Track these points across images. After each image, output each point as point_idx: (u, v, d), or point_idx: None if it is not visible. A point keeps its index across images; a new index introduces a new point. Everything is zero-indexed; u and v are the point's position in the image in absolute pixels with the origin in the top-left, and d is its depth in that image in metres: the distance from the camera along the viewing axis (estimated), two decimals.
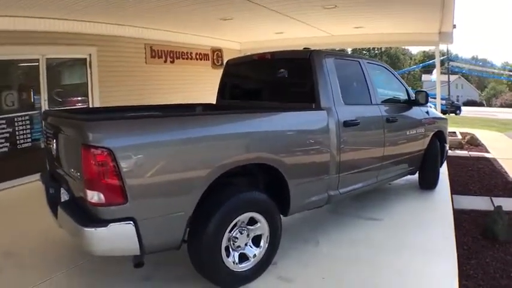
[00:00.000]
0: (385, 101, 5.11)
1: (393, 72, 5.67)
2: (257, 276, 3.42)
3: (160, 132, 2.86)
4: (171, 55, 9.39)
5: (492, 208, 5.58)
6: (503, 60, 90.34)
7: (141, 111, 4.62)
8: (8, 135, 6.40)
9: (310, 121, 3.92)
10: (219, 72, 11.11)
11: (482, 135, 12.24)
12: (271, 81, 4.70)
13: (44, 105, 6.84)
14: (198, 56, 10.36)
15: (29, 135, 6.66)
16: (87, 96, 7.50)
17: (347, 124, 4.13)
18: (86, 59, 7.44)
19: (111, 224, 2.60)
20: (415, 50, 75.21)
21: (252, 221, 3.36)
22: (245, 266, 3.32)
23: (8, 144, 6.40)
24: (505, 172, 8.00)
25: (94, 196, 2.59)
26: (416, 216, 5.08)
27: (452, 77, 42.54)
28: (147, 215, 2.73)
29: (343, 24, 9.67)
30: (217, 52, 11.05)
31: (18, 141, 6.54)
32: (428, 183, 6.14)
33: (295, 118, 3.83)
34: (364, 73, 4.82)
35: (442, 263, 3.82)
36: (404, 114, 5.31)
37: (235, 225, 3.22)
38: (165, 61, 9.26)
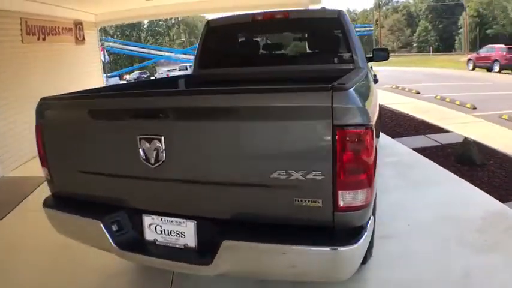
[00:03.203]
0: None
1: None
2: None
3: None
4: (43, 31, 8.21)
5: (436, 144, 7.05)
6: None
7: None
8: None
9: (371, 80, 4.07)
10: (83, 49, 10.41)
11: None
12: (288, 43, 4.77)
13: None
14: (64, 31, 9.25)
15: None
16: None
17: (375, 81, 4.57)
18: None
19: (366, 227, 2.14)
20: (211, 16, 78.69)
21: None
22: None
23: None
24: (407, 114, 9.82)
25: (349, 197, 2.02)
26: (394, 159, 6.03)
27: None
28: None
29: None
30: (79, 26, 10.03)
31: None
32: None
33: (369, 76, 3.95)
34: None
35: (463, 187, 4.89)
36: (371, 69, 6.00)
37: None
38: (38, 38, 8.07)
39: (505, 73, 24.21)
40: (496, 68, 25.53)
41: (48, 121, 2.67)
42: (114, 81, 32.55)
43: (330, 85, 1.99)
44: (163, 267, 2.56)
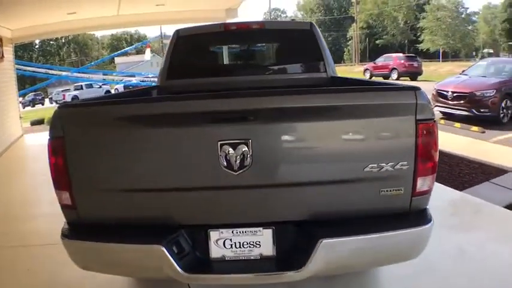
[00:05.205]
0: None
1: None
2: None
3: None
4: None
5: None
6: None
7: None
8: None
9: None
10: (4, 67, 9.87)
11: None
12: (262, 53, 5.01)
13: None
14: None
15: None
16: None
17: None
18: None
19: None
20: (100, 34, 77.01)
21: None
22: None
23: None
24: None
25: (423, 183, 2.29)
26: None
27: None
28: None
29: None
30: None
31: None
32: None
33: None
34: None
35: None
36: None
37: None
38: None
39: (403, 80, 26.67)
40: (394, 75, 28.05)
41: (75, 134, 2.27)
42: None
43: (410, 86, 2.32)
44: (239, 283, 2.48)
